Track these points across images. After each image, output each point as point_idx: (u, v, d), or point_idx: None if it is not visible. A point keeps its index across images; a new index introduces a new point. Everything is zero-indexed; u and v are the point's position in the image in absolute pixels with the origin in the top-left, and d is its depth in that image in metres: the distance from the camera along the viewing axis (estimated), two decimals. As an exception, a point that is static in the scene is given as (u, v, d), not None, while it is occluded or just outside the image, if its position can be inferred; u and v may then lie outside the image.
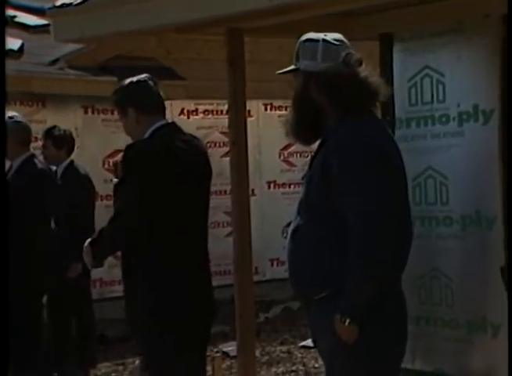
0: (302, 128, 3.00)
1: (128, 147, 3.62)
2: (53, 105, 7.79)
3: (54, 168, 5.91)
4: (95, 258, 3.66)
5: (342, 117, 2.92)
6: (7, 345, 3.68)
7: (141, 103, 3.67)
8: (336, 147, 2.86)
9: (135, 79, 3.76)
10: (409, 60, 4.20)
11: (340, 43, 2.96)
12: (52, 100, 7.79)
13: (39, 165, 5.20)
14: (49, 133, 6.16)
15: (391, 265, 2.82)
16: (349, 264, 2.78)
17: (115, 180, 3.80)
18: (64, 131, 6.23)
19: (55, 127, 6.25)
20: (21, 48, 8.05)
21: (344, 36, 3.05)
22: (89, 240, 3.65)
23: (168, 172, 3.58)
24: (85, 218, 6.04)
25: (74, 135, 6.46)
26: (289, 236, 2.98)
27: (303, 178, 2.99)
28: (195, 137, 3.87)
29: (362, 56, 3.00)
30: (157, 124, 3.65)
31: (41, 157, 5.74)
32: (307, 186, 2.93)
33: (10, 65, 7.74)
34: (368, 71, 2.94)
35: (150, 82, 3.75)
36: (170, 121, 3.85)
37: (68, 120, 7.48)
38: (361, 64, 2.95)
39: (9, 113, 5.15)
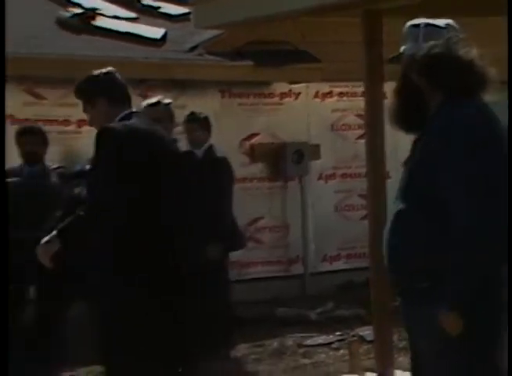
0: (405, 113, 2.89)
1: (102, 131, 3.49)
2: (192, 90, 7.87)
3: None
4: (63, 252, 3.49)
5: (444, 102, 2.79)
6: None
7: (112, 94, 3.60)
8: (436, 135, 2.74)
9: (103, 70, 3.68)
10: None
11: (445, 27, 2.88)
12: (192, 86, 7.87)
13: (184, 148, 5.23)
14: (194, 117, 6.20)
15: (500, 257, 2.67)
16: (454, 256, 2.66)
17: (88, 166, 3.69)
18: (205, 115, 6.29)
19: (193, 112, 6.31)
20: (164, 36, 8.19)
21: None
22: (54, 233, 3.47)
23: (145, 154, 3.49)
24: (225, 200, 6.07)
25: (212, 119, 6.49)
26: (389, 222, 2.87)
27: (405, 163, 2.87)
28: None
29: (470, 39, 2.86)
30: (122, 114, 3.59)
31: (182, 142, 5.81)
32: (409, 171, 2.82)
33: (153, 53, 7.89)
34: (476, 55, 2.78)
35: (117, 74, 3.67)
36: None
37: (206, 104, 7.52)
38: (468, 48, 2.80)
39: (155, 98, 5.16)
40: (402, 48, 2.91)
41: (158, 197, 3.55)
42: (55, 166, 5.66)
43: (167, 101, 5.06)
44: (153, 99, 5.06)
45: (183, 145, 5.79)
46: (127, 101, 3.64)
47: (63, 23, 7.97)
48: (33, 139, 5.59)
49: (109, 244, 3.48)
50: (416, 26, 2.92)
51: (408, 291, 2.84)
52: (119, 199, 3.41)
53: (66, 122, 6.96)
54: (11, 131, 6.24)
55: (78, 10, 8.16)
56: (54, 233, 3.47)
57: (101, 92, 3.59)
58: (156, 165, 3.54)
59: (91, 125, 3.70)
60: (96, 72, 3.68)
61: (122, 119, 3.57)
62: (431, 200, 2.74)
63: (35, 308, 5.52)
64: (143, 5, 8.94)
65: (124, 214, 3.42)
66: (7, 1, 8.23)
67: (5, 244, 4.03)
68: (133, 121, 3.57)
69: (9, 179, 5.60)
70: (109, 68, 3.70)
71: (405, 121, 2.91)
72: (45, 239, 3.49)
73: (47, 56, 7.10)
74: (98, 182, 3.47)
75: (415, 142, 2.87)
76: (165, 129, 4.98)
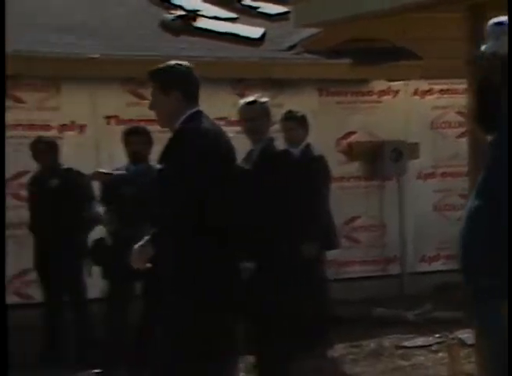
0: (485, 112, 2.81)
1: (184, 131, 3.41)
2: (290, 89, 7.79)
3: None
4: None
5: None
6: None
7: (188, 89, 3.51)
8: None
9: (180, 62, 3.57)
10: None
11: None
12: (289, 84, 7.79)
13: (281, 147, 5.14)
14: (292, 115, 6.11)
15: None
16: None
17: (158, 166, 3.57)
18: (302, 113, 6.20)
19: (291, 110, 6.22)
20: (262, 36, 8.15)
21: None
22: (148, 238, 3.40)
23: (221, 156, 3.43)
24: (321, 199, 5.97)
25: (310, 117, 6.39)
26: (465, 217, 2.75)
27: (486, 161, 2.80)
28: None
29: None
30: (192, 111, 3.50)
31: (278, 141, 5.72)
32: (487, 170, 2.75)
33: (252, 52, 7.86)
34: None
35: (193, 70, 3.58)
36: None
37: (304, 103, 7.42)
38: None
39: (252, 97, 5.09)
40: (484, 47, 2.81)
41: (241, 197, 3.49)
42: (159, 166, 5.68)
43: (263, 99, 4.98)
44: (250, 98, 4.99)
45: (280, 143, 5.71)
46: (197, 98, 3.59)
47: (165, 26, 8.05)
48: (138, 139, 5.65)
49: (193, 244, 3.42)
50: (499, 24, 2.87)
51: (480, 290, 2.73)
52: (200, 199, 3.36)
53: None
54: (117, 131, 6.34)
55: (180, 12, 8.22)
56: (147, 237, 3.43)
57: (177, 84, 3.53)
58: (233, 166, 3.51)
59: (152, 109, 3.63)
60: (176, 62, 3.61)
61: (191, 117, 3.52)
62: (508, 199, 2.63)
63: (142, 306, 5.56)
64: (243, 6, 8.94)
65: (206, 214, 3.36)
66: (109, 5, 8.40)
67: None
68: (206, 122, 3.52)
69: (116, 172, 5.65)
70: (187, 63, 3.64)
71: (484, 120, 2.82)
72: (139, 244, 3.45)
73: (150, 58, 7.16)
74: (181, 182, 3.40)
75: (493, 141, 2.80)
76: (262, 128, 4.92)
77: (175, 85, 3.52)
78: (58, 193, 5.97)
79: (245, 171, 4.87)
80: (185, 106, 3.52)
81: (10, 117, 6.96)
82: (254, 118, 4.85)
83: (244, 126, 4.95)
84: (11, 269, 6.85)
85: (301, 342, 5.69)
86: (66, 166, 6.14)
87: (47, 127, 7.05)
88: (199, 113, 3.54)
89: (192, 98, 3.55)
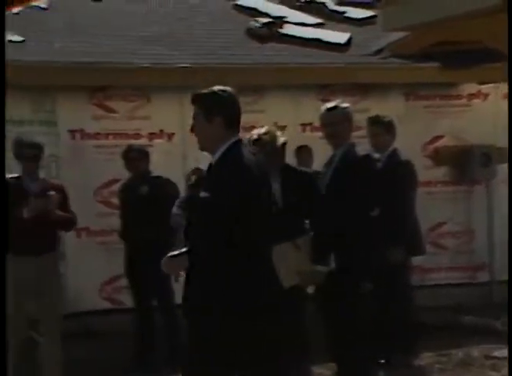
0: None
1: (225, 160, 3.34)
2: (376, 94, 7.63)
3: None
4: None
5: None
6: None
7: (231, 117, 3.40)
8: None
9: (224, 88, 3.45)
10: None
11: None
12: (375, 89, 7.64)
13: (362, 152, 5.02)
14: (378, 120, 5.97)
15: None
16: None
17: (204, 194, 3.39)
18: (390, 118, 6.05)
19: (378, 115, 6.08)
20: (349, 41, 8.02)
21: None
22: (184, 249, 3.37)
23: (252, 190, 3.34)
24: (407, 204, 5.81)
25: (396, 122, 6.24)
26: None
27: None
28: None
29: None
30: (233, 140, 3.39)
31: (363, 146, 5.59)
32: None
33: (337, 58, 7.74)
34: None
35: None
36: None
37: (389, 108, 7.24)
38: None
39: (333, 102, 5.00)
40: None
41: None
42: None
43: (344, 105, 4.88)
44: (331, 104, 4.90)
45: (363, 149, 5.57)
46: (239, 125, 3.49)
47: (251, 33, 8.03)
48: None
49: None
50: None
51: None
52: (239, 223, 3.32)
53: (252, 128, 6.98)
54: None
55: (266, 19, 8.19)
56: (184, 249, 3.40)
57: (220, 111, 3.43)
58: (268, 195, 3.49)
59: (193, 133, 3.57)
60: (220, 88, 3.49)
61: (232, 146, 3.43)
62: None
63: None
64: (330, 11, 8.84)
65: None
66: (195, 14, 8.43)
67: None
68: (245, 151, 3.45)
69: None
70: (230, 88, 3.53)
71: None
72: (173, 253, 3.42)
73: (237, 66, 7.17)
74: (220, 211, 3.34)
75: None
76: (342, 133, 4.81)
77: (218, 112, 3.42)
78: (148, 200, 6.02)
79: (315, 174, 4.80)
80: (227, 133, 3.43)
81: (102, 126, 7.10)
82: (334, 123, 4.75)
83: (325, 131, 4.87)
84: (102, 276, 6.99)
85: (385, 348, 5.56)
86: (155, 174, 6.19)
87: (137, 135, 7.14)
88: (239, 142, 3.46)
89: (234, 125, 3.45)
